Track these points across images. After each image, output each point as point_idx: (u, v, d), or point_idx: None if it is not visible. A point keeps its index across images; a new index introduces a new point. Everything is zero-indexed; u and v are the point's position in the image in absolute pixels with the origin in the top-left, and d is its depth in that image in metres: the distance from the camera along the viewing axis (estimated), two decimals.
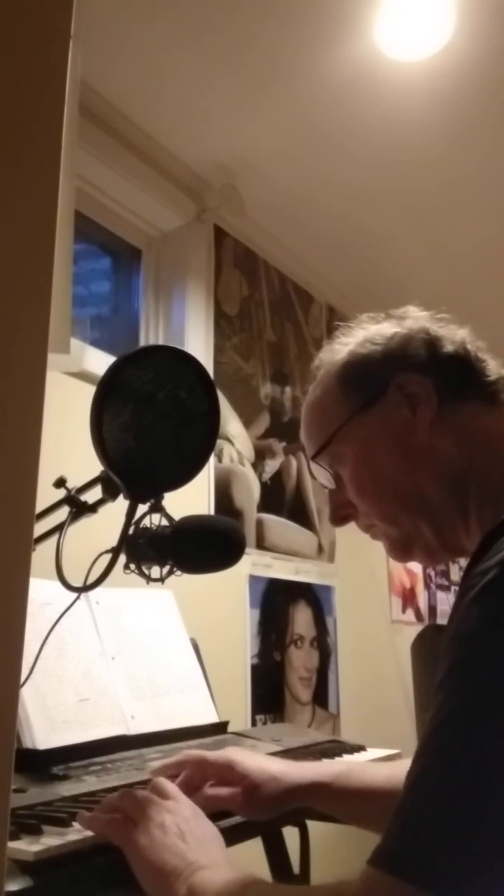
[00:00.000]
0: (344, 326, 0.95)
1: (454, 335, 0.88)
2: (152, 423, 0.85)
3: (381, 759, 1.29)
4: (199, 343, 2.26)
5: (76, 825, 0.81)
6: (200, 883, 0.70)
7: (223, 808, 0.91)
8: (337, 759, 1.24)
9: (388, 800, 0.89)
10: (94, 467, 0.87)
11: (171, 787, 0.85)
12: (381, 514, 0.87)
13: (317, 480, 0.97)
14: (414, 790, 0.58)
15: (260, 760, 0.95)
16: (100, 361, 1.81)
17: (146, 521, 0.87)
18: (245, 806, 0.91)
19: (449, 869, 0.54)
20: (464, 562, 0.74)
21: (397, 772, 0.93)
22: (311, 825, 1.19)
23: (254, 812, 0.92)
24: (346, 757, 1.27)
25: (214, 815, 0.90)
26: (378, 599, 2.98)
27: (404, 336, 0.88)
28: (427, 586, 3.33)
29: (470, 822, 0.54)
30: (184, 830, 0.78)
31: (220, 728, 1.31)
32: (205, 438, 0.89)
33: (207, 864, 0.73)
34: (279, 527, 2.46)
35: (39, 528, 0.86)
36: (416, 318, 0.91)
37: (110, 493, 0.89)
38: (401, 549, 0.88)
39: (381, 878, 0.56)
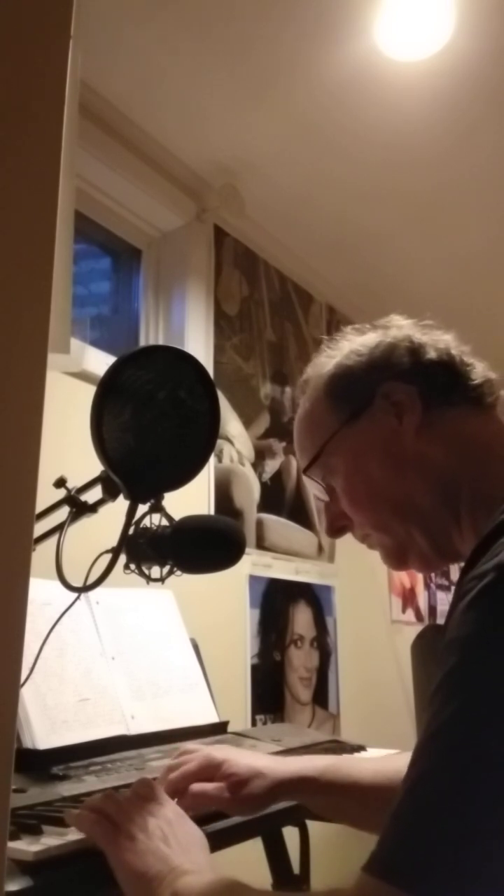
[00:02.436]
0: (329, 339, 0.95)
1: (438, 341, 0.88)
2: (152, 423, 0.85)
3: None
4: (199, 343, 2.26)
5: None
6: (184, 888, 0.69)
7: (210, 805, 0.90)
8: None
9: (375, 795, 0.89)
10: (94, 467, 0.87)
11: (154, 789, 0.84)
12: (374, 524, 0.87)
13: (312, 493, 0.97)
14: (409, 796, 0.57)
15: (245, 756, 0.95)
16: (100, 361, 1.81)
17: (146, 521, 0.87)
18: (232, 802, 0.90)
19: (444, 876, 0.53)
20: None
21: (385, 767, 0.93)
22: (311, 825, 1.19)
23: (241, 809, 0.91)
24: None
25: (210, 817, 0.90)
26: (378, 599, 2.98)
27: (388, 345, 0.88)
28: (427, 586, 3.33)
29: (466, 829, 0.54)
30: (167, 834, 0.77)
31: (220, 728, 1.31)
32: (205, 438, 0.89)
33: (191, 869, 0.72)
34: (279, 527, 2.46)
35: (39, 528, 0.86)
36: (399, 327, 0.91)
37: (110, 493, 0.89)
38: (396, 558, 0.88)
39: (376, 884, 0.55)
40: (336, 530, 0.92)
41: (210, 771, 0.92)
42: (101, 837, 0.77)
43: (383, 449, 0.85)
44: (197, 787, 0.91)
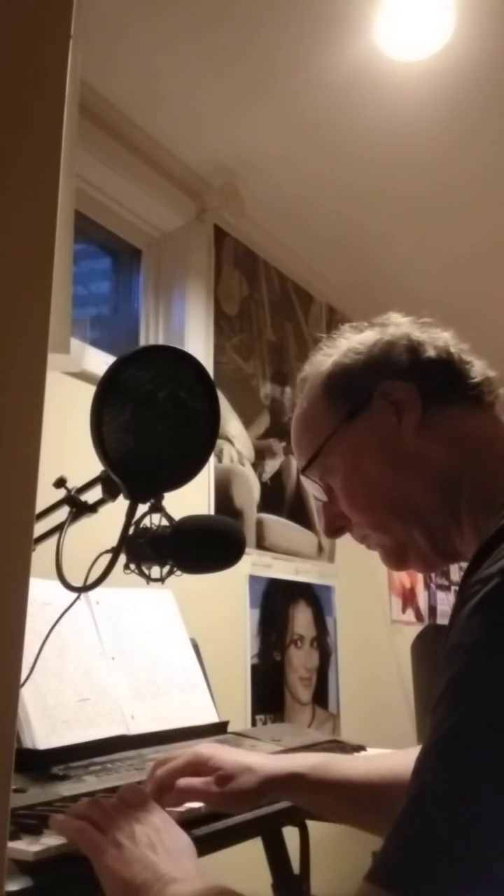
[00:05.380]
0: (327, 338, 0.94)
1: (436, 339, 0.87)
2: (152, 423, 0.84)
3: None
4: (199, 343, 2.26)
5: None
6: None
7: (196, 800, 0.89)
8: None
9: (366, 792, 0.88)
10: (94, 467, 0.87)
11: (141, 795, 0.83)
12: (373, 524, 0.86)
13: (310, 493, 0.96)
14: (413, 804, 0.56)
15: (234, 753, 0.93)
16: (100, 361, 1.82)
17: (146, 521, 0.87)
18: (219, 798, 0.88)
19: (446, 886, 0.53)
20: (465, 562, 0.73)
21: (377, 764, 0.92)
22: (311, 825, 1.19)
23: (229, 804, 0.89)
24: None
25: (209, 818, 0.90)
26: (378, 599, 2.98)
27: (386, 343, 0.87)
28: (427, 586, 3.33)
29: (468, 839, 0.53)
30: (154, 841, 0.75)
31: (220, 728, 1.31)
32: (205, 438, 0.89)
33: (179, 877, 0.70)
34: (279, 527, 2.46)
35: (39, 528, 0.86)
36: (398, 325, 0.90)
37: (110, 493, 0.89)
38: (395, 558, 0.87)
39: (378, 893, 0.55)
40: (334, 531, 0.91)
41: (198, 767, 0.90)
42: (86, 844, 0.75)
43: (382, 448, 0.84)
44: (183, 782, 0.89)
